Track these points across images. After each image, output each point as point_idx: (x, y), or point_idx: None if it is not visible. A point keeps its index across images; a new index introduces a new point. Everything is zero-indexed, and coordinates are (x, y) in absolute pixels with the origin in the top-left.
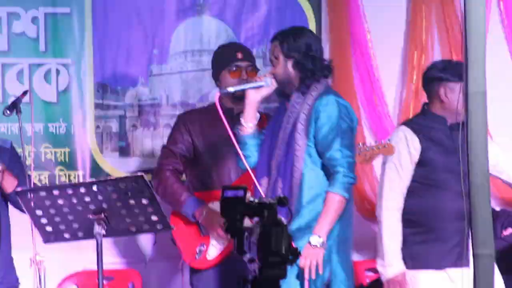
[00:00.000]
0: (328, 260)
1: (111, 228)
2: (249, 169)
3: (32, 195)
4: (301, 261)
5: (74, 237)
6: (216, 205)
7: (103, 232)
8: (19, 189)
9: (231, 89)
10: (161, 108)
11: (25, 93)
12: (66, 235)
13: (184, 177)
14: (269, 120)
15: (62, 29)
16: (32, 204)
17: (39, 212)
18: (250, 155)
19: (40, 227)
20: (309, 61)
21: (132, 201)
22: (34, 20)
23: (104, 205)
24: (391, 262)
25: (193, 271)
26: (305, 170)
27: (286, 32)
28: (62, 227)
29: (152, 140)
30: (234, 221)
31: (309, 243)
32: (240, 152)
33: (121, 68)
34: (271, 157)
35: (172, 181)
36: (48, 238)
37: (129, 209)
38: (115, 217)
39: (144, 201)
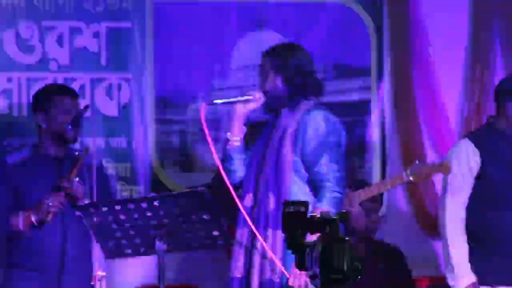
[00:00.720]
0: None
1: (172, 244)
2: (228, 184)
3: (94, 210)
4: (290, 280)
5: (136, 252)
6: None
7: (165, 247)
8: (81, 203)
9: (217, 101)
10: (222, 122)
11: (86, 107)
12: (128, 251)
13: None
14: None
15: (123, 44)
16: (94, 219)
17: (101, 227)
18: (236, 170)
19: (102, 243)
20: (299, 78)
21: (193, 217)
22: (96, 34)
23: (166, 221)
24: (462, 274)
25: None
26: (293, 185)
27: (278, 47)
28: (124, 242)
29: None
30: (295, 237)
31: None
32: (220, 167)
33: (182, 83)
34: (258, 172)
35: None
36: (110, 253)
37: (190, 224)
38: (177, 232)
39: (206, 217)
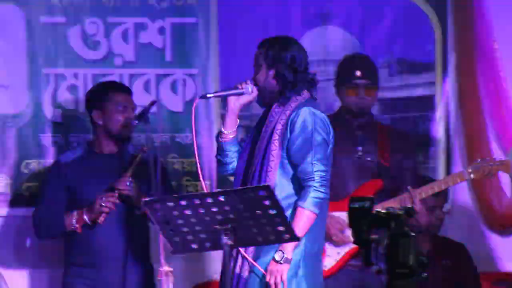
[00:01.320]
0: (294, 276)
1: (238, 239)
2: (200, 173)
3: (159, 206)
4: (267, 277)
5: (202, 247)
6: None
7: (230, 242)
8: (146, 199)
9: (210, 95)
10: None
11: (153, 103)
12: (194, 246)
13: None
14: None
15: (188, 39)
16: (160, 215)
17: (166, 223)
18: (230, 162)
19: (168, 238)
20: (291, 73)
21: (259, 211)
22: (161, 30)
23: (231, 215)
24: None
25: None
26: (277, 181)
27: (273, 41)
28: (190, 237)
29: None
30: (361, 232)
31: (274, 259)
32: (197, 161)
33: (247, 78)
34: (247, 166)
35: None
36: (176, 248)
37: (256, 219)
38: (242, 227)
39: (271, 212)
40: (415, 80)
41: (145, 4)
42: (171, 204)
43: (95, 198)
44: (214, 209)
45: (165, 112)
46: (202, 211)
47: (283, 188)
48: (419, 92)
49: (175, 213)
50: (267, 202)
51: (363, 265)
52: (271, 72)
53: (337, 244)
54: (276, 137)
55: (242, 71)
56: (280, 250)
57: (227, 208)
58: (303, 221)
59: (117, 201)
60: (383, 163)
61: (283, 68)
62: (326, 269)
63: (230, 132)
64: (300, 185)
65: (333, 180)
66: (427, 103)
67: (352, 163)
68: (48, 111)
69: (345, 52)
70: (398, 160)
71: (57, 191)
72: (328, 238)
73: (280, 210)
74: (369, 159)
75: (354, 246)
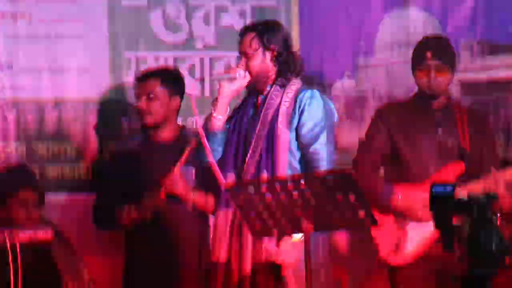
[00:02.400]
0: None
1: (318, 224)
2: (214, 164)
3: (240, 191)
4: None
5: (282, 232)
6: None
7: (311, 227)
8: (227, 184)
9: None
10: (367, 100)
11: None
12: (275, 230)
13: (382, 171)
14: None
15: None
16: (241, 200)
17: (247, 208)
18: (216, 149)
19: (249, 223)
20: (287, 54)
21: (339, 196)
22: (242, 13)
23: (312, 201)
24: None
25: (392, 269)
26: (288, 164)
27: (263, 24)
28: (271, 222)
29: (358, 133)
30: (443, 218)
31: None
32: (207, 149)
33: (328, 61)
34: (238, 153)
35: (368, 175)
36: (257, 233)
37: (336, 204)
38: (323, 212)
39: (352, 197)
40: (497, 61)
41: None
42: (252, 189)
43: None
44: (295, 194)
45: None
46: (283, 196)
47: (292, 171)
48: (500, 74)
49: (256, 198)
50: (347, 187)
51: (444, 251)
52: (268, 55)
53: (421, 220)
54: (283, 119)
55: (322, 54)
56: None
57: (308, 193)
58: None
59: (163, 198)
60: (463, 145)
61: (279, 50)
62: (407, 253)
63: (220, 118)
64: (308, 168)
65: (413, 162)
66: (508, 86)
67: (432, 145)
68: (130, 94)
69: (427, 33)
70: (478, 143)
71: (114, 181)
72: (413, 214)
73: (361, 195)
74: (449, 141)
75: (433, 232)
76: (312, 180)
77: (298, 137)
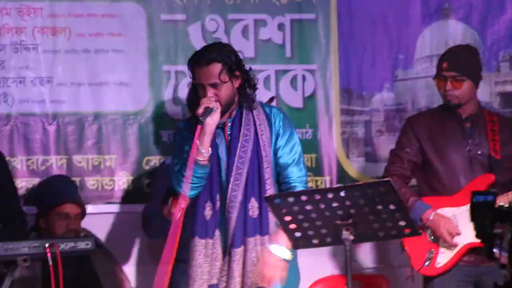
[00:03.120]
0: None
1: (359, 234)
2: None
3: (280, 201)
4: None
5: (322, 242)
6: (445, 211)
7: (351, 237)
8: (267, 195)
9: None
10: (406, 113)
11: (272, 99)
12: (315, 241)
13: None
14: None
15: (307, 35)
16: (281, 210)
17: (287, 218)
18: (198, 185)
19: (289, 233)
20: (246, 75)
21: (379, 207)
22: (280, 26)
23: (352, 211)
24: None
25: (426, 279)
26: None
27: (224, 51)
28: (311, 232)
29: None
30: (483, 227)
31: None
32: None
33: (367, 73)
34: (213, 183)
35: (398, 187)
36: (297, 243)
37: (376, 214)
38: (363, 222)
39: (392, 206)
40: None
41: (264, 1)
42: (291, 199)
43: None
44: (335, 204)
45: (285, 108)
46: (323, 206)
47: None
48: None
49: (296, 208)
50: (387, 197)
51: (477, 260)
52: (236, 82)
53: (445, 247)
54: (263, 142)
55: (361, 65)
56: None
57: (348, 203)
58: None
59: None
60: (494, 155)
61: (241, 72)
62: (440, 265)
63: (206, 155)
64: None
65: (444, 174)
66: None
67: (462, 156)
68: (169, 107)
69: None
70: (509, 152)
71: (163, 189)
72: (438, 239)
73: (401, 204)
74: (479, 152)
75: (468, 242)
76: (352, 191)
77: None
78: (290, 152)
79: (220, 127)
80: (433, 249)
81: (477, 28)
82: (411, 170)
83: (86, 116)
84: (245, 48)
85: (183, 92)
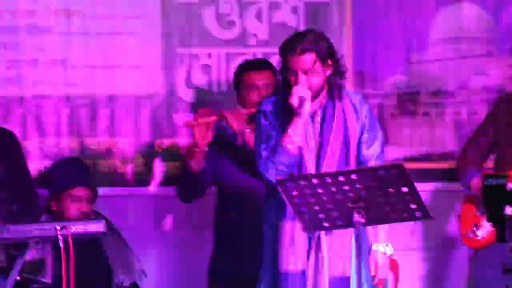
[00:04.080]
0: None
1: (370, 217)
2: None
3: (292, 184)
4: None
5: (333, 225)
6: None
7: (363, 220)
8: (279, 178)
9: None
10: (420, 96)
11: None
12: (326, 224)
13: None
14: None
15: (321, 19)
16: (293, 193)
17: (298, 201)
18: (286, 172)
19: (300, 216)
20: (339, 64)
21: (391, 189)
22: (295, 9)
23: (363, 194)
24: None
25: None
26: None
27: (318, 40)
28: (322, 215)
29: (410, 128)
30: (496, 209)
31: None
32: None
33: (380, 57)
34: (301, 171)
35: (469, 153)
36: (307, 226)
37: (388, 197)
38: (374, 205)
39: (403, 189)
40: None
41: None
42: (303, 182)
43: None
44: (346, 188)
45: None
46: (334, 189)
47: None
48: None
49: (307, 191)
50: (399, 180)
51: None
52: (328, 70)
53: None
54: (351, 134)
55: (375, 49)
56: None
57: (359, 186)
58: None
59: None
60: None
61: (337, 61)
62: (478, 238)
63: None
64: None
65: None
66: None
67: None
68: (182, 91)
69: (479, 29)
70: None
71: None
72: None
73: (413, 187)
74: None
75: None
76: (364, 173)
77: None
78: (372, 145)
79: (311, 115)
80: (477, 223)
81: (491, 11)
82: (489, 147)
83: (99, 98)
84: (259, 31)
85: (196, 75)
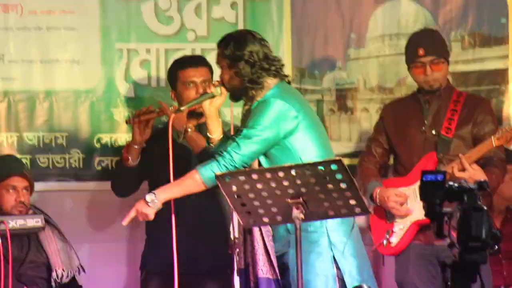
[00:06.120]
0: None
1: (309, 212)
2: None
3: (231, 179)
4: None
5: (273, 221)
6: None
7: (302, 216)
8: (218, 173)
9: (182, 108)
10: (358, 92)
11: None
12: (265, 219)
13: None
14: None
15: (260, 15)
16: (232, 188)
17: (238, 196)
18: None
19: (240, 211)
20: (249, 69)
21: (330, 185)
22: (233, 5)
23: (303, 189)
24: None
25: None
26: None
27: (229, 38)
28: (261, 211)
29: (349, 124)
30: (433, 206)
31: (144, 199)
32: (171, 170)
33: (319, 53)
34: None
35: (364, 168)
36: (247, 222)
37: (327, 193)
38: (313, 201)
39: (342, 185)
40: (488, 53)
41: None
42: (242, 178)
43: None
44: (286, 183)
45: None
46: (273, 184)
47: None
48: (491, 65)
49: (247, 187)
50: (338, 176)
51: (431, 239)
52: (232, 71)
53: (398, 217)
54: None
55: (314, 45)
56: (153, 193)
57: (298, 182)
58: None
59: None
60: (445, 134)
61: (242, 66)
62: (393, 245)
63: (216, 135)
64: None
65: (403, 155)
66: (499, 77)
67: (419, 136)
68: (121, 86)
69: (418, 25)
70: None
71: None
72: (388, 212)
73: (352, 183)
74: (433, 132)
75: (415, 220)
76: (303, 169)
77: None
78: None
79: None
80: (389, 229)
81: (430, 8)
82: (381, 156)
83: (38, 93)
84: (197, 26)
85: (135, 71)
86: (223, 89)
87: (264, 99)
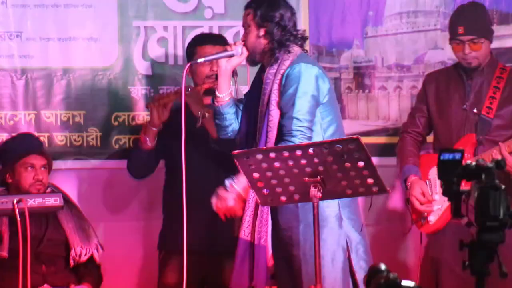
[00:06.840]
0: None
1: (326, 191)
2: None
3: (248, 158)
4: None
5: (290, 200)
6: (433, 171)
7: (319, 194)
8: (235, 152)
9: (200, 60)
10: (376, 70)
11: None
12: (283, 198)
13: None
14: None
15: None
16: (250, 167)
17: (256, 175)
18: (229, 124)
19: (257, 190)
20: (279, 31)
21: (347, 164)
22: None
23: (320, 168)
24: None
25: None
26: (278, 141)
27: (260, 0)
28: (279, 190)
29: (367, 102)
30: (450, 184)
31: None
32: (183, 148)
33: (336, 31)
34: (249, 132)
35: (405, 144)
36: (265, 201)
37: (344, 171)
38: (331, 180)
39: (360, 164)
40: (506, 31)
41: None
42: (260, 156)
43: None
44: (303, 162)
45: None
46: (291, 163)
47: None
48: (510, 43)
49: (264, 165)
50: (356, 155)
51: (452, 217)
52: (261, 32)
53: (421, 209)
54: (274, 97)
55: (331, 23)
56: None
57: (316, 160)
58: None
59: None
60: (485, 114)
61: (272, 27)
62: (431, 223)
63: (225, 94)
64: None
65: (441, 131)
66: None
67: (459, 114)
68: (138, 64)
69: (435, 3)
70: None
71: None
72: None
73: (369, 162)
74: (475, 111)
75: None
76: (321, 148)
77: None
78: (285, 106)
79: (261, 75)
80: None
81: None
82: (425, 127)
83: (55, 71)
84: (215, 4)
85: (153, 48)
86: (244, 49)
87: (300, 64)
